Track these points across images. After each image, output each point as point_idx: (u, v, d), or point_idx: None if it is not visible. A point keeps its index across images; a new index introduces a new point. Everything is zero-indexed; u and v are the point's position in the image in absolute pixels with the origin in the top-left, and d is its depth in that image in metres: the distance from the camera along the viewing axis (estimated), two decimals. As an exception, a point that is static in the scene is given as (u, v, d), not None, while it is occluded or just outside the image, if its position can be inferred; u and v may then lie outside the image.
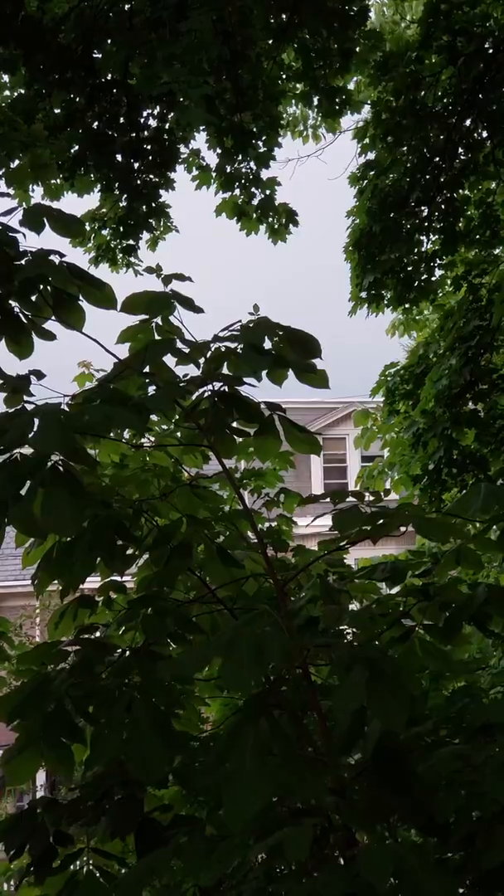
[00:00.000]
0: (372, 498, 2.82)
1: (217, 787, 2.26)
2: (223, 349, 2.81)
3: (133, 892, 2.58)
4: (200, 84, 6.42)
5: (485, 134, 9.70)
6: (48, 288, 2.79)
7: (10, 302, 2.73)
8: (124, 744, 2.51)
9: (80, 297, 2.84)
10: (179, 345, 2.84)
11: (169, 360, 2.85)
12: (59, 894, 2.72)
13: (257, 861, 2.51)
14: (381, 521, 2.62)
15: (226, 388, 2.82)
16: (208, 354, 2.83)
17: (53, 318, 2.81)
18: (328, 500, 2.90)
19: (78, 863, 2.83)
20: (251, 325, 2.79)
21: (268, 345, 2.78)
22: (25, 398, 2.62)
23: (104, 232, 9.78)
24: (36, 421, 2.43)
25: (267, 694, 2.43)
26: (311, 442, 3.00)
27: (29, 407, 2.54)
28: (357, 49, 8.75)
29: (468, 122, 9.62)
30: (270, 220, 9.79)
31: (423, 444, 10.58)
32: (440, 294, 11.55)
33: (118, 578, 3.59)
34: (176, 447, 3.80)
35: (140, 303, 2.91)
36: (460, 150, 9.79)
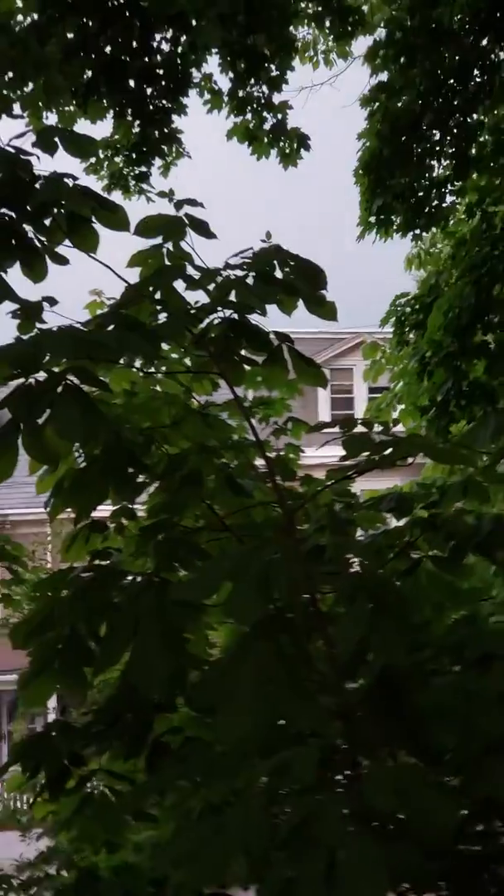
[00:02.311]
0: (380, 428, 2.84)
1: (215, 705, 2.31)
2: (233, 277, 2.80)
3: (140, 805, 2.66)
4: (215, 2, 6.31)
5: (502, 55, 9.50)
6: (62, 212, 2.77)
7: (24, 226, 2.72)
8: (130, 654, 2.56)
9: (94, 221, 2.83)
10: (190, 270, 2.84)
11: (179, 286, 2.85)
12: (73, 813, 2.80)
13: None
14: (389, 449, 2.64)
15: (236, 316, 2.82)
16: (219, 281, 2.82)
17: (67, 242, 2.80)
18: (336, 428, 2.92)
19: (90, 783, 2.91)
20: (262, 253, 2.78)
21: (278, 273, 2.77)
22: (38, 325, 2.63)
23: (117, 159, 9.70)
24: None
25: (273, 619, 2.47)
26: (318, 375, 3.03)
27: (42, 335, 2.55)
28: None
29: (485, 43, 9.41)
30: (282, 144, 9.67)
31: (430, 373, 10.52)
32: (452, 222, 11.40)
33: (129, 505, 3.63)
34: (186, 374, 3.80)
35: (154, 226, 2.90)
36: (476, 72, 9.60)
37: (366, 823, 1.99)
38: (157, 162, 9.65)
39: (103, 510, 3.16)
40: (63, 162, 2.83)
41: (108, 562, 3.27)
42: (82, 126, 8.90)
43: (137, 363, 3.64)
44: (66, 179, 2.72)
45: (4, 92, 7.95)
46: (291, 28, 9.01)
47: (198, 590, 2.49)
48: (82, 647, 2.82)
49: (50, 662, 2.78)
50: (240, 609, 2.22)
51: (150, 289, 2.81)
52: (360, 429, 2.84)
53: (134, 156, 9.46)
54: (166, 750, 2.93)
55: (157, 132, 9.09)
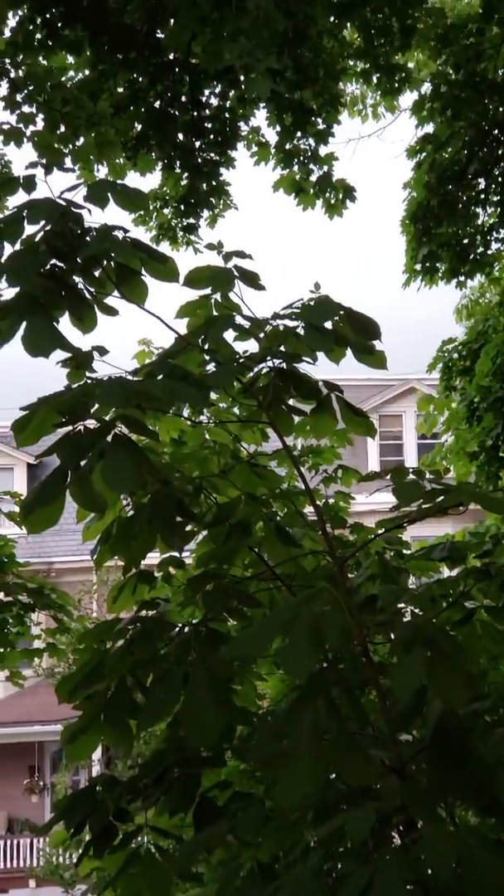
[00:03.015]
0: (432, 476, 2.80)
1: (272, 763, 2.27)
2: (282, 327, 2.80)
3: (188, 864, 2.60)
4: (266, 57, 6.40)
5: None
6: (111, 263, 2.79)
7: (74, 277, 2.74)
8: (181, 707, 2.52)
9: (143, 273, 2.84)
10: (239, 320, 2.84)
11: (227, 335, 2.85)
12: (119, 871, 2.75)
13: (313, 838, 2.51)
14: (441, 497, 2.60)
15: (284, 365, 2.81)
16: (267, 331, 2.82)
17: (116, 293, 2.82)
18: (387, 476, 2.89)
19: (137, 840, 2.86)
20: (312, 304, 2.77)
21: (328, 324, 2.76)
22: (88, 374, 2.64)
23: (165, 211, 9.82)
24: (97, 391, 2.46)
25: (326, 672, 2.43)
26: (366, 425, 3.02)
27: (92, 384, 2.56)
28: (419, 26, 8.65)
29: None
30: (327, 195, 9.74)
31: (478, 418, 10.48)
32: (497, 268, 11.40)
33: (177, 554, 3.61)
34: (234, 423, 3.80)
35: (202, 277, 2.91)
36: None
37: (424, 891, 1.94)
38: (205, 213, 9.75)
39: (151, 559, 3.14)
40: (112, 213, 2.86)
41: (155, 612, 3.25)
42: (132, 178, 9.04)
43: (185, 412, 3.64)
44: (116, 232, 2.74)
45: (56, 146, 8.10)
46: (340, 84, 9.11)
47: (251, 647, 2.46)
48: (128, 699, 2.79)
49: (97, 716, 2.75)
50: (294, 663, 2.19)
51: (200, 338, 2.82)
52: (411, 477, 2.80)
53: (182, 207, 9.57)
54: (213, 806, 2.89)
55: (205, 184, 9.20)
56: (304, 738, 2.16)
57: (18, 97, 7.93)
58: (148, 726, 2.73)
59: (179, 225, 9.86)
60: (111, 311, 2.82)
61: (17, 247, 2.70)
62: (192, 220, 9.69)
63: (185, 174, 9.17)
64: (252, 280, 2.91)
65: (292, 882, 2.15)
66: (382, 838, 2.27)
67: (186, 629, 2.87)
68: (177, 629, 2.92)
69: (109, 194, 2.84)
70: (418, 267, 10.53)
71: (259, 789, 3.03)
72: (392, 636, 2.53)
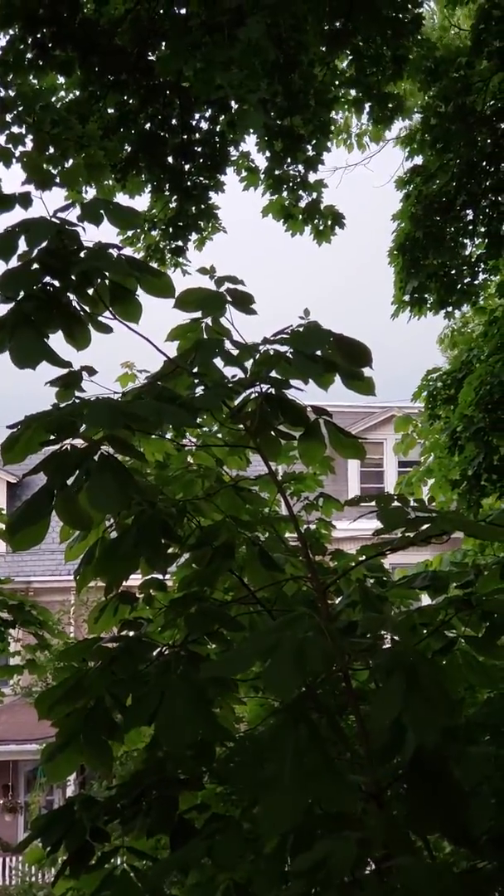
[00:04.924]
0: (415, 504, 2.82)
1: (253, 789, 2.27)
2: (272, 352, 2.82)
3: (159, 882, 2.60)
4: (257, 88, 6.45)
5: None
6: (105, 282, 2.81)
7: (69, 294, 2.76)
8: (158, 717, 2.53)
9: (138, 292, 2.87)
10: (228, 346, 2.86)
11: (217, 361, 2.87)
12: (95, 892, 2.74)
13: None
14: (425, 525, 2.62)
15: (273, 391, 2.83)
16: (257, 357, 2.84)
17: (110, 312, 2.84)
18: (369, 503, 2.90)
19: (113, 861, 2.86)
20: (301, 330, 2.80)
21: (317, 350, 2.78)
22: (77, 395, 2.66)
23: (153, 233, 9.85)
24: (85, 411, 2.48)
25: (306, 697, 2.44)
26: (356, 447, 3.01)
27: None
28: (410, 56, 8.74)
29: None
30: (316, 221, 9.80)
31: (460, 447, 10.55)
32: (482, 298, 11.51)
33: (158, 576, 3.62)
34: (220, 448, 3.82)
35: (193, 300, 2.93)
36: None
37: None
38: (193, 235, 9.79)
39: (131, 581, 3.15)
40: (97, 234, 2.88)
41: (137, 632, 3.25)
42: (120, 200, 9.07)
43: (169, 435, 3.66)
44: (110, 250, 2.76)
45: (45, 167, 8.12)
46: (331, 112, 9.18)
47: (229, 666, 2.47)
48: (107, 718, 2.79)
49: (76, 735, 2.75)
50: (277, 683, 2.20)
51: (189, 362, 2.84)
52: (395, 504, 2.82)
53: (170, 230, 9.60)
54: (191, 828, 2.88)
55: (193, 207, 9.24)
56: (288, 766, 2.16)
57: (8, 117, 7.95)
58: (123, 741, 2.73)
59: (168, 247, 9.90)
60: (105, 329, 2.84)
61: (12, 263, 2.72)
62: (180, 243, 9.73)
63: (174, 197, 9.20)
64: (245, 304, 2.93)
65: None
66: (360, 865, 2.27)
67: (167, 651, 2.88)
68: (157, 651, 2.93)
69: (103, 212, 2.87)
70: (407, 298, 10.62)
71: (236, 812, 3.03)
72: (371, 663, 2.54)
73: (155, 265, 9.76)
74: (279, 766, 2.16)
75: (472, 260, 10.39)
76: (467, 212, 10.03)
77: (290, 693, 2.22)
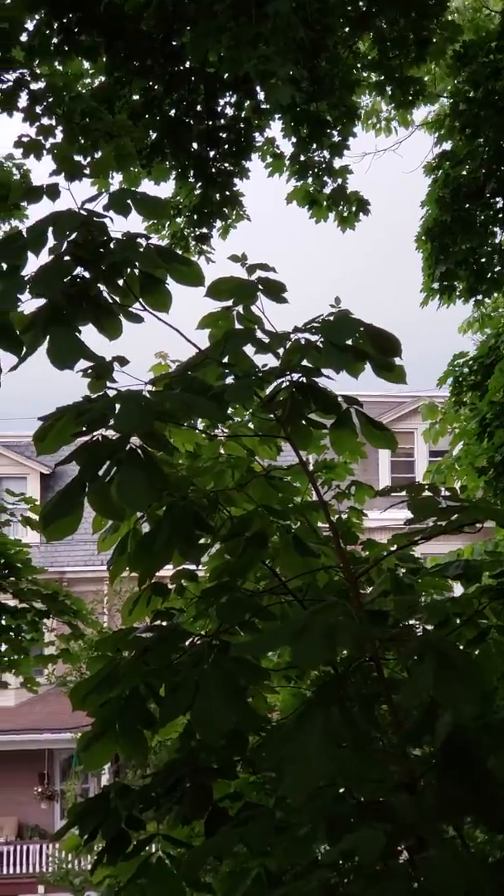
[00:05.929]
0: (447, 493, 2.81)
1: (278, 764, 2.27)
2: (303, 341, 2.81)
3: (195, 869, 2.61)
4: (286, 62, 6.41)
5: None
6: (135, 272, 2.81)
7: (99, 285, 2.76)
8: (193, 705, 2.54)
9: (167, 281, 2.86)
10: (259, 334, 2.85)
11: (247, 348, 2.86)
12: (131, 879, 2.76)
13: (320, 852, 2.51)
14: (456, 515, 2.61)
15: (304, 380, 2.82)
16: (287, 345, 2.83)
17: (140, 303, 2.83)
18: (400, 492, 2.89)
19: (149, 848, 2.87)
20: (332, 319, 2.78)
21: (348, 339, 2.77)
22: (108, 384, 2.66)
23: (178, 220, 9.83)
24: (117, 406, 2.48)
25: (338, 683, 2.43)
26: (388, 438, 3.00)
27: (111, 393, 2.58)
28: (434, 39, 8.65)
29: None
30: (341, 207, 9.75)
31: (490, 434, 10.47)
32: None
33: (190, 566, 3.63)
34: (251, 437, 3.81)
35: (226, 289, 2.92)
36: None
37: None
38: (217, 223, 9.76)
39: (163, 571, 3.16)
40: (123, 222, 2.87)
41: (170, 622, 3.26)
42: (145, 186, 9.07)
43: (200, 424, 3.65)
44: (139, 240, 2.75)
45: (75, 158, 8.12)
46: (354, 96, 9.11)
47: (260, 646, 2.47)
48: (142, 708, 2.80)
49: (111, 724, 2.76)
50: (303, 653, 2.20)
51: (219, 351, 2.83)
52: (426, 493, 2.81)
53: (195, 217, 9.58)
54: (225, 815, 2.89)
55: (218, 194, 9.21)
56: (315, 740, 2.16)
57: (38, 109, 7.95)
58: (160, 731, 2.74)
59: (192, 234, 9.88)
60: (136, 319, 2.83)
61: (43, 255, 2.72)
62: (204, 230, 9.70)
63: (199, 184, 9.18)
64: (276, 292, 2.92)
65: (299, 894, 2.15)
66: (391, 855, 2.27)
67: (199, 641, 2.88)
68: (189, 641, 2.94)
69: (130, 202, 2.86)
70: (436, 286, 10.53)
71: (269, 802, 3.04)
72: (403, 648, 2.53)
73: (179, 252, 9.79)
74: (306, 741, 2.15)
75: (503, 248, 10.28)
76: (497, 199, 9.92)
77: (315, 662, 2.22)
